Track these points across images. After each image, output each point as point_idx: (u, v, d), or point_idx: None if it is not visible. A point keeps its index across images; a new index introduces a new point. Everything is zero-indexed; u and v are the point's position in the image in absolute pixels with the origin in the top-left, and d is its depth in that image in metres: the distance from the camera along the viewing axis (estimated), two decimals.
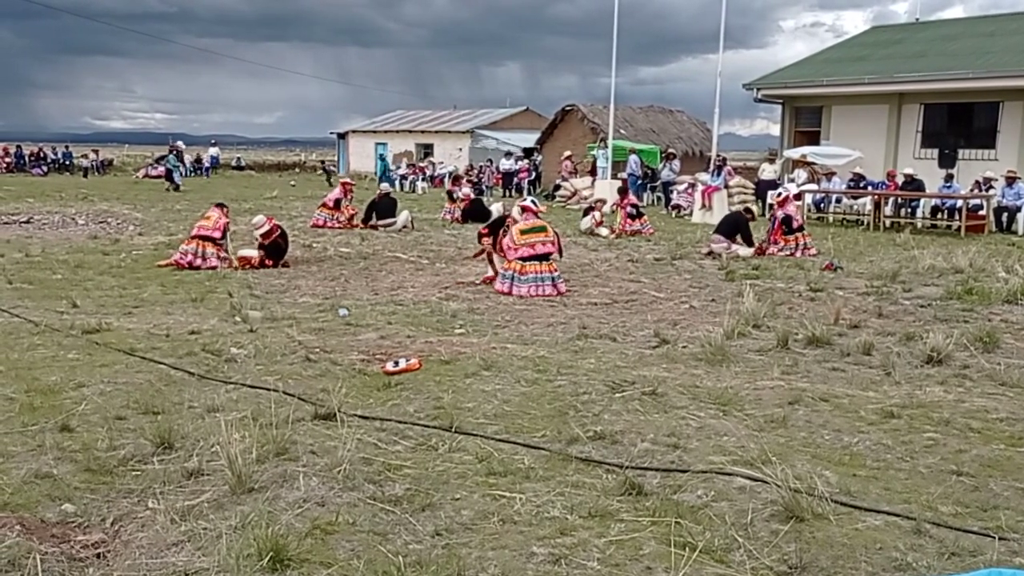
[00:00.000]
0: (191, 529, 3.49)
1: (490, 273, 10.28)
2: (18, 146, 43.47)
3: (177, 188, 28.54)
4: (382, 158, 34.12)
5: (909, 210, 19.27)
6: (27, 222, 17.19)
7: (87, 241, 14.10)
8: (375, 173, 32.61)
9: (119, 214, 19.08)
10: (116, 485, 3.98)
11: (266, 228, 11.67)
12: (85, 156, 41.92)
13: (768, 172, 22.60)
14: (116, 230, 16.05)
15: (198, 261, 11.23)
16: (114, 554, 3.33)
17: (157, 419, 4.82)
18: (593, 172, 26.79)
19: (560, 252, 10.19)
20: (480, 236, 10.83)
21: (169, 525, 3.52)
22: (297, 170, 41.65)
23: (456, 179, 20.74)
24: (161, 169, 38.39)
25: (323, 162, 46.17)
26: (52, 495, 3.83)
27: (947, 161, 21.32)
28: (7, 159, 40.15)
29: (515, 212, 10.90)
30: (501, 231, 10.38)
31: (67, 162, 40.67)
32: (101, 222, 17.50)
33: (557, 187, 27.16)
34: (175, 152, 31.01)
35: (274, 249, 11.61)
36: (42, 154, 41.05)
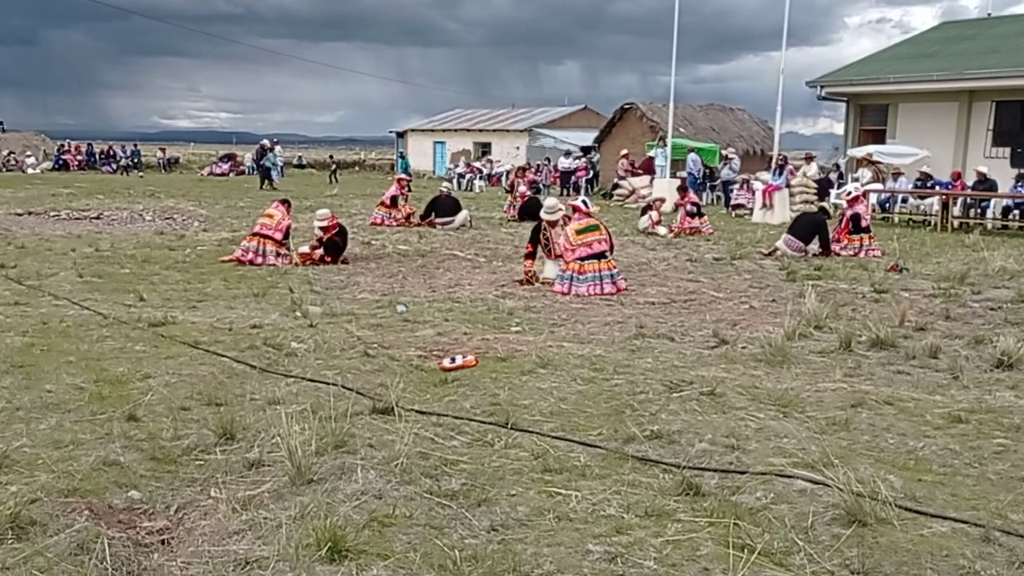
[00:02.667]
0: (252, 518, 3.55)
1: (546, 275, 10.19)
2: (89, 144, 44.90)
3: (268, 184, 28.96)
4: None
5: (979, 211, 18.74)
6: (97, 218, 17.72)
7: (154, 237, 14.46)
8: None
9: (184, 211, 19.56)
10: (180, 474, 4.07)
11: (326, 223, 11.82)
12: (154, 154, 43.16)
13: (811, 173, 22.32)
14: (181, 226, 16.43)
15: (259, 259, 11.40)
16: (178, 541, 3.41)
17: (220, 410, 4.92)
18: (648, 167, 26.57)
19: (611, 248, 10.05)
20: (526, 256, 10.38)
21: (231, 514, 3.59)
22: (352, 169, 42.26)
23: (521, 170, 20.19)
24: (225, 167, 39.40)
25: (331, 156, 47.24)
26: (119, 482, 3.94)
27: (1020, 160, 20.66)
28: (79, 157, 41.51)
29: (552, 214, 10.43)
30: (541, 237, 10.31)
31: (135, 160, 41.80)
32: (167, 218, 17.95)
33: (615, 186, 27.02)
34: (269, 150, 31.72)
35: (331, 246, 11.76)
36: (112, 152, 42.27)
